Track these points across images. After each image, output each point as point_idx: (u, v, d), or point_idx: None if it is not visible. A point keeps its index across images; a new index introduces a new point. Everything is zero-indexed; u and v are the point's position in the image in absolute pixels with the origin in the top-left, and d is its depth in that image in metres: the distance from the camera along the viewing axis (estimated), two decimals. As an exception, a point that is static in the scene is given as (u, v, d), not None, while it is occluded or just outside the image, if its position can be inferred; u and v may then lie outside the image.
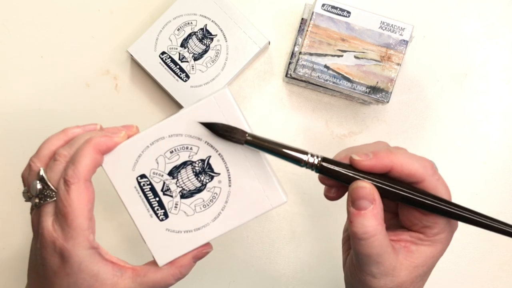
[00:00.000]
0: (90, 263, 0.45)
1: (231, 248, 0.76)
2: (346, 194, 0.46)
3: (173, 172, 0.48)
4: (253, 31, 0.72)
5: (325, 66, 0.67)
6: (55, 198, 0.45)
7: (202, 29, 0.71)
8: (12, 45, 0.76)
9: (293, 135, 0.76)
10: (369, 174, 0.45)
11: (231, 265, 0.76)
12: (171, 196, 0.48)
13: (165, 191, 0.48)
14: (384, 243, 0.44)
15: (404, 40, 0.67)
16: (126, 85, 0.76)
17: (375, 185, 0.44)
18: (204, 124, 0.46)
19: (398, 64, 0.67)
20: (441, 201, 0.44)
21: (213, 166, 0.47)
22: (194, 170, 0.48)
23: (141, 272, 0.48)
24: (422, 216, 0.46)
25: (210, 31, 0.71)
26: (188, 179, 0.48)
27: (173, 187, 0.48)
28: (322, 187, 0.50)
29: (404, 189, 0.44)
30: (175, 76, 0.71)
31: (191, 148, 0.47)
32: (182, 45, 0.71)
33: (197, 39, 0.71)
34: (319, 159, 0.45)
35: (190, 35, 0.71)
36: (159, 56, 0.71)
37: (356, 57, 0.67)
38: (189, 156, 0.47)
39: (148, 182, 0.48)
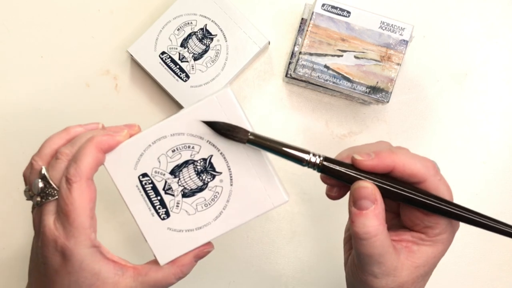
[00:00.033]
0: (91, 262, 0.45)
1: (231, 248, 0.76)
2: (348, 193, 0.46)
3: (175, 171, 0.48)
4: (253, 31, 0.72)
5: (325, 66, 0.67)
6: (56, 197, 0.45)
7: (202, 29, 0.71)
8: (12, 45, 0.76)
9: (293, 135, 0.76)
10: (371, 174, 0.45)
11: (231, 265, 0.76)
12: (173, 195, 0.48)
13: (167, 190, 0.48)
14: (386, 243, 0.44)
15: (404, 40, 0.67)
16: (126, 85, 0.76)
17: (377, 185, 0.44)
18: (206, 123, 0.46)
19: (398, 64, 0.67)
20: (443, 202, 0.44)
21: (215, 165, 0.47)
22: (196, 169, 0.48)
23: (142, 271, 0.48)
24: (424, 216, 0.46)
25: (210, 31, 0.71)
26: (190, 178, 0.48)
27: (174, 186, 0.48)
28: (322, 187, 0.50)
29: (406, 189, 0.44)
30: (175, 76, 0.71)
31: (193, 147, 0.47)
32: (182, 45, 0.71)
33: (197, 39, 0.71)
34: (321, 158, 0.45)
35: (190, 35, 0.71)
36: (159, 56, 0.71)
37: (356, 57, 0.67)
38: (191, 155, 0.47)
39: (150, 181, 0.48)
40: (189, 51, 0.71)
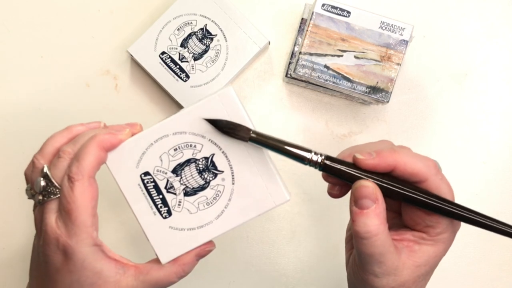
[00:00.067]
0: (93, 260, 0.45)
1: (231, 248, 0.76)
2: (349, 192, 0.46)
3: (177, 170, 0.48)
4: (253, 31, 0.72)
5: (325, 66, 0.67)
6: (58, 195, 0.45)
7: (202, 29, 0.71)
8: (12, 45, 0.76)
9: (293, 135, 0.76)
10: (372, 173, 0.45)
11: (231, 265, 0.76)
12: (175, 194, 0.48)
13: (169, 188, 0.48)
14: (387, 243, 0.44)
15: (404, 40, 0.67)
16: (126, 85, 0.76)
17: (378, 184, 0.44)
18: (208, 121, 0.46)
19: (398, 64, 0.67)
20: (444, 201, 0.44)
21: (217, 163, 0.47)
22: (198, 168, 0.48)
23: (144, 270, 0.48)
24: (425, 216, 0.46)
25: (210, 31, 0.71)
26: (191, 176, 0.48)
27: (176, 184, 0.48)
28: (322, 188, 0.50)
29: (407, 189, 0.44)
30: (175, 76, 0.71)
31: (194, 146, 0.47)
32: (182, 45, 0.71)
33: (197, 39, 0.71)
34: (323, 157, 0.45)
35: (190, 35, 0.71)
36: (159, 56, 0.71)
37: (356, 57, 0.67)
38: (192, 154, 0.47)
39: (151, 180, 0.48)
40: (189, 51, 0.71)
